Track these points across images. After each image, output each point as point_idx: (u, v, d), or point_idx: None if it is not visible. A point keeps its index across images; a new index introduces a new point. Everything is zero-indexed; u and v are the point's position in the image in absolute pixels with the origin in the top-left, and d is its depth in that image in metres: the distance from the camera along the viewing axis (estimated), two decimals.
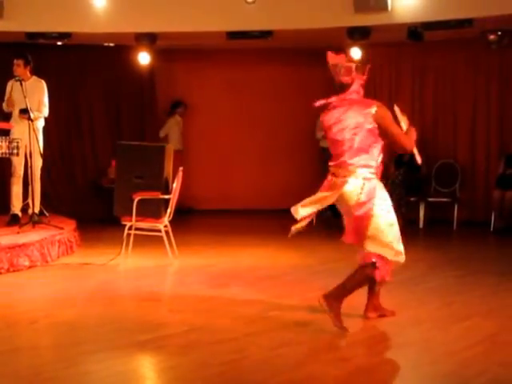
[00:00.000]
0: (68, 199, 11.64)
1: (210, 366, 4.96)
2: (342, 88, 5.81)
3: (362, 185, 5.67)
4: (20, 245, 8.45)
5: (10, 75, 9.77)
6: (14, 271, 8.21)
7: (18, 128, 9.48)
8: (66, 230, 9.58)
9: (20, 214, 9.88)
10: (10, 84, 9.76)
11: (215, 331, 5.82)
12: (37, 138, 9.50)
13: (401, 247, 5.82)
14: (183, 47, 12.91)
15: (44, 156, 9.71)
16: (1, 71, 9.98)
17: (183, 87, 13.66)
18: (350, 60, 5.97)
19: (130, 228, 8.66)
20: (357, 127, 5.70)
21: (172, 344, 5.52)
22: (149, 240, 8.91)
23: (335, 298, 5.72)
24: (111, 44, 12.52)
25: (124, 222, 8.71)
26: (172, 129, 13.48)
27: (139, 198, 8.53)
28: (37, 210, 9.75)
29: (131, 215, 8.54)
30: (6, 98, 9.79)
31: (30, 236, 8.90)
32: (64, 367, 4.93)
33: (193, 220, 13.10)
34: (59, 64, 12.01)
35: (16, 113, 9.69)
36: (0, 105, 9.95)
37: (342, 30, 10.93)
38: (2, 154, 8.93)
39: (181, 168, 8.67)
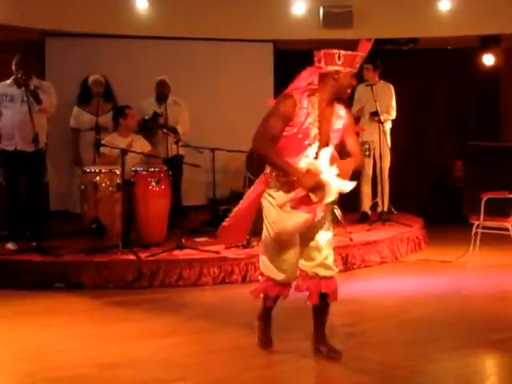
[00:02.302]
0: (414, 198, 11.92)
1: None
2: None
3: None
4: (371, 242, 8.87)
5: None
6: (365, 267, 8.63)
7: (368, 131, 9.94)
8: (413, 227, 9.86)
9: (369, 212, 10.39)
10: (359, 88, 10.19)
11: None
12: (386, 140, 9.93)
13: None
14: None
15: (391, 156, 10.13)
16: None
17: None
18: None
19: (477, 227, 8.72)
20: None
21: None
22: (496, 239, 8.82)
23: None
24: (454, 47, 12.58)
25: (472, 221, 8.77)
26: None
27: (487, 197, 8.57)
28: (386, 209, 10.22)
29: (479, 214, 8.59)
30: (358, 106, 10.28)
31: (380, 233, 9.32)
32: (422, 363, 5.03)
33: None
34: (404, 68, 12.30)
35: (366, 116, 10.20)
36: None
37: None
38: None
39: None
